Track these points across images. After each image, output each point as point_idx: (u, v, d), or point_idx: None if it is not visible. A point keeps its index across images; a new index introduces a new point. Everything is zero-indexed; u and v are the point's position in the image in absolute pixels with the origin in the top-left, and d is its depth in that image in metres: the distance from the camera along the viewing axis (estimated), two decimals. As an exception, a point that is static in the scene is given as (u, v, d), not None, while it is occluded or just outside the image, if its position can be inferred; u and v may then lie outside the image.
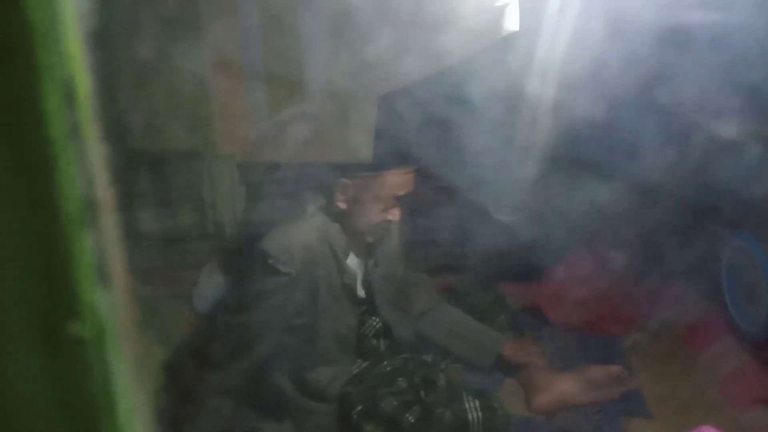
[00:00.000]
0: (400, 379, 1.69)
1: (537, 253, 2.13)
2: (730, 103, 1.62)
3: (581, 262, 2.19)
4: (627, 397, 1.75)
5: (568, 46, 1.60)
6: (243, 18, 2.02)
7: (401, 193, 1.62)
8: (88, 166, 0.24)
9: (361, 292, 1.74)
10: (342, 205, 1.61)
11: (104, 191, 0.25)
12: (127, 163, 2.19)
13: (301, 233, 1.59)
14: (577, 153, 1.98)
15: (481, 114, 1.67)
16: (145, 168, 2.26)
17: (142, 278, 2.15)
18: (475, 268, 2.27)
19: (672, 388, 1.80)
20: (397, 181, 1.60)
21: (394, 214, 1.64)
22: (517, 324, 2.02)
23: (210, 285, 2.21)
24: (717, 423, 1.65)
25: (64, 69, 0.23)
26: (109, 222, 0.25)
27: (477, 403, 1.60)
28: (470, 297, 2.05)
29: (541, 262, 2.20)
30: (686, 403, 1.74)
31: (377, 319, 1.80)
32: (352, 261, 1.69)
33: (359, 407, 1.60)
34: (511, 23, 1.55)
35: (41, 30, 0.22)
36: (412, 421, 1.57)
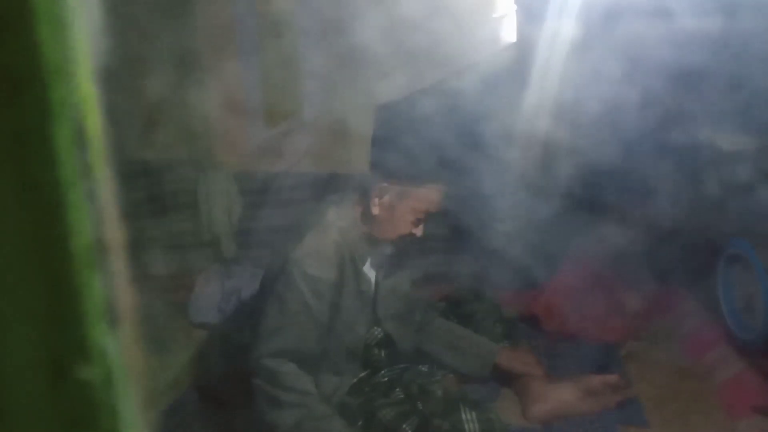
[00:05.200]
0: (397, 389, 1.69)
1: (533, 262, 2.13)
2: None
3: (577, 270, 2.19)
4: (624, 405, 1.75)
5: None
6: (240, 25, 2.02)
7: (432, 209, 1.62)
8: (98, 207, 0.23)
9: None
10: (376, 210, 1.61)
11: (115, 232, 0.24)
12: (123, 173, 2.18)
13: (331, 239, 1.59)
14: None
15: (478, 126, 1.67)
16: (142, 177, 2.25)
17: (138, 287, 2.13)
18: (470, 276, 2.27)
19: (669, 397, 1.80)
20: (435, 197, 1.61)
21: (419, 230, 1.64)
22: (513, 333, 2.02)
23: (206, 294, 2.20)
24: (714, 431, 1.66)
25: (76, 106, 0.22)
26: (120, 263, 0.24)
27: (474, 414, 1.60)
28: (466, 306, 2.05)
29: (537, 271, 2.20)
30: (683, 411, 1.74)
31: (379, 329, 1.80)
32: (367, 269, 1.69)
33: (359, 422, 1.60)
34: (509, 35, 1.55)
35: (54, 65, 0.22)
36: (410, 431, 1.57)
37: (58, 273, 0.23)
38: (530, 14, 1.60)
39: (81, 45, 0.22)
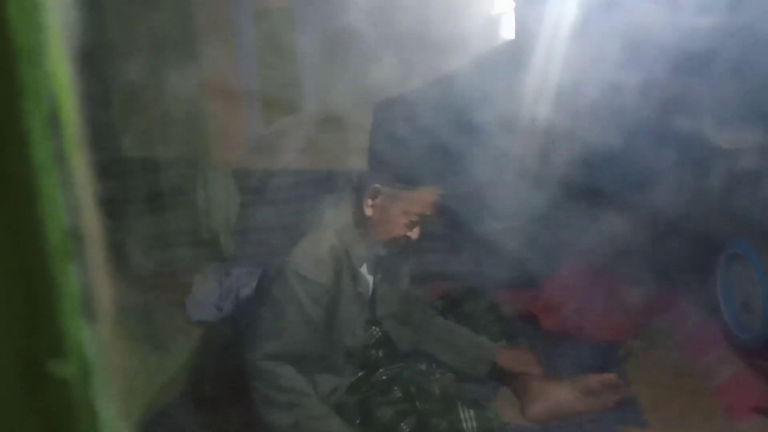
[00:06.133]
0: (396, 388, 1.68)
1: (532, 260, 2.12)
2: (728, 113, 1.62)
3: (576, 269, 2.18)
4: (622, 405, 1.74)
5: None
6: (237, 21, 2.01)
7: (428, 212, 1.61)
8: (73, 194, 0.22)
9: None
10: (369, 212, 1.59)
11: (91, 220, 0.23)
12: (122, 170, 2.17)
13: (327, 242, 1.57)
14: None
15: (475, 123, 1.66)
16: (140, 175, 2.24)
17: (136, 285, 2.13)
18: (469, 275, 2.26)
19: (667, 397, 1.79)
20: (430, 199, 1.59)
21: (415, 233, 1.62)
22: (512, 332, 2.01)
23: (204, 292, 2.19)
24: (713, 432, 1.65)
25: (49, 89, 0.21)
26: (96, 253, 0.23)
27: (472, 413, 1.59)
28: (464, 304, 2.04)
29: (536, 270, 2.20)
30: (682, 412, 1.73)
31: (378, 330, 1.79)
32: (365, 270, 1.68)
33: (357, 421, 1.59)
34: (507, 32, 1.54)
35: (24, 46, 0.21)
36: (407, 430, 1.56)
37: (31, 264, 0.21)
38: (529, 1, 1.59)
39: (53, 25, 0.21)
